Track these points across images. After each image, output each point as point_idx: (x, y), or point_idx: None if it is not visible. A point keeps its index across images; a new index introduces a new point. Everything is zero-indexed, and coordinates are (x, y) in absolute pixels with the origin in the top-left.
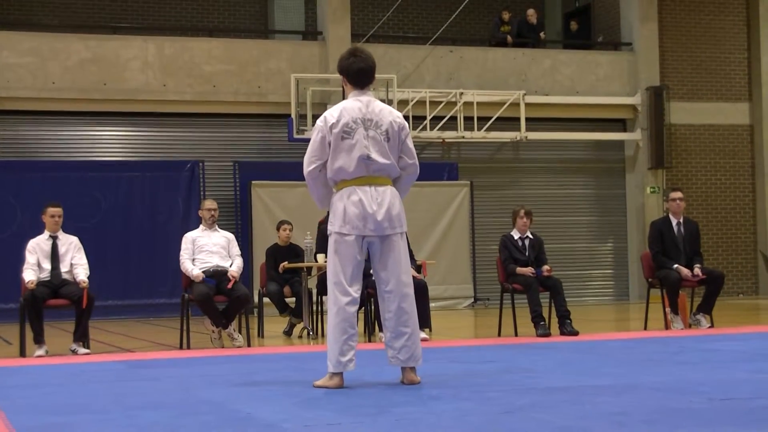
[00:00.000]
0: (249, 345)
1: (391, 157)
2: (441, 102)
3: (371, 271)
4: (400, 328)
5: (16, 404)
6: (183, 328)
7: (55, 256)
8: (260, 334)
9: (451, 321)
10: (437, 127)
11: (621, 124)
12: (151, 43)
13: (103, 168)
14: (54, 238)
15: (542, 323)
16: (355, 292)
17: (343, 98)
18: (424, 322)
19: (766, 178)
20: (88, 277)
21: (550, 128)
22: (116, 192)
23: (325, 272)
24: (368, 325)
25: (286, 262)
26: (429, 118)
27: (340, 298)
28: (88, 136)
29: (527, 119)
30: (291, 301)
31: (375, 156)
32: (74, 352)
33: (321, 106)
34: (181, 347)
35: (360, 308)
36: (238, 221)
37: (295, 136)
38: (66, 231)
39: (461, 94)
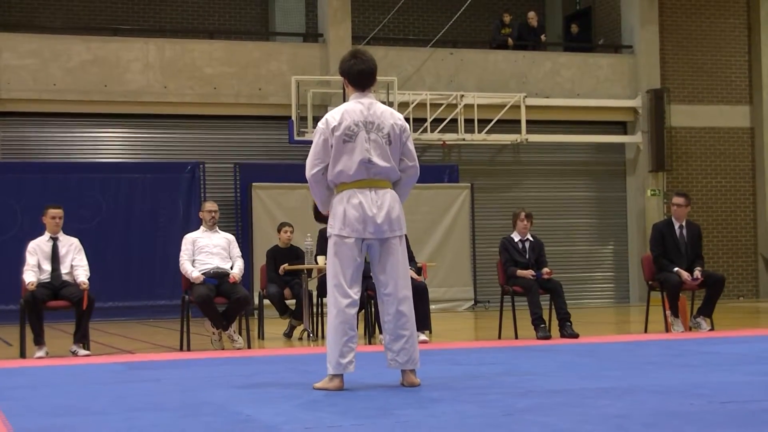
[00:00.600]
0: (249, 347)
1: (392, 160)
2: (442, 104)
3: (371, 273)
4: (398, 331)
5: (16, 405)
6: (183, 329)
7: (55, 258)
8: (260, 335)
9: (452, 323)
10: (438, 130)
11: (621, 127)
12: (152, 45)
13: (103, 169)
14: (54, 239)
15: (542, 326)
16: (355, 294)
17: (344, 100)
18: (425, 324)
19: (766, 180)
20: (89, 279)
21: (551, 131)
22: (117, 193)
23: (326, 274)
24: (368, 327)
25: (286, 264)
26: (430, 120)
27: (340, 300)
28: (89, 137)
29: (528, 122)
30: (291, 303)
31: (376, 159)
32: (74, 354)
33: (321, 108)
34: (181, 349)
35: (360, 310)
36: (239, 223)
37: (296, 138)
38: (66, 232)
39: (462, 96)
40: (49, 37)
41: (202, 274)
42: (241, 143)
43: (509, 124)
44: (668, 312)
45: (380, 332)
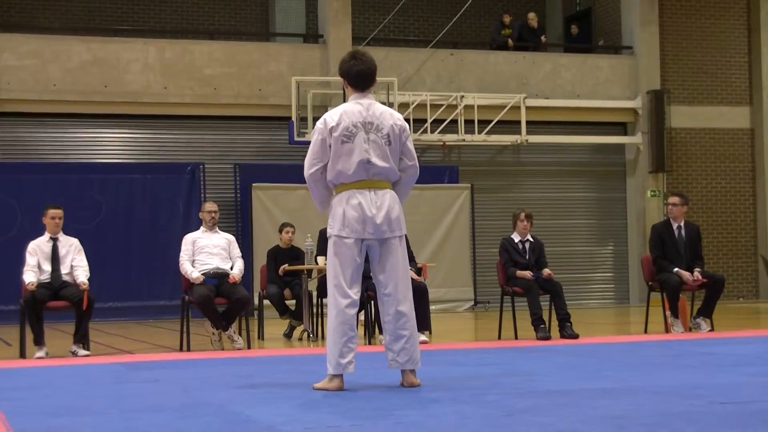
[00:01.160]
0: (249, 347)
1: (392, 160)
2: (442, 105)
3: (371, 273)
4: (398, 331)
5: (16, 406)
6: (183, 330)
7: (55, 258)
8: (260, 336)
9: (452, 324)
10: (438, 130)
11: (622, 128)
12: (151, 46)
13: (103, 170)
14: (54, 239)
15: (542, 326)
16: (355, 294)
17: (344, 101)
18: (425, 324)
19: (766, 181)
20: (89, 279)
21: (551, 131)
22: (117, 194)
23: (326, 275)
24: (368, 328)
25: (286, 265)
26: (430, 121)
27: (340, 301)
28: (89, 138)
29: (528, 122)
30: (291, 303)
31: (375, 160)
32: (74, 354)
33: (321, 109)
34: (181, 349)
35: (360, 311)
36: (239, 223)
37: (296, 138)
38: (66, 233)
39: (462, 97)
40: (49, 37)
41: (202, 274)
42: (241, 144)
43: (509, 125)
44: (668, 313)
45: (380, 332)
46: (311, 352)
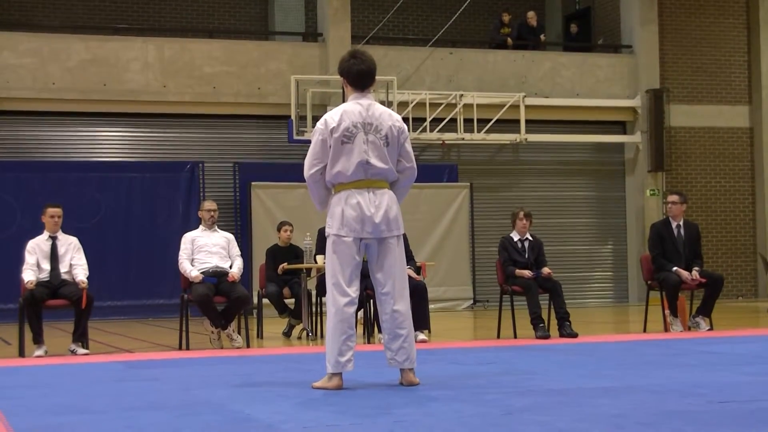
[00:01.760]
0: (248, 346)
1: (390, 161)
2: (441, 104)
3: (369, 272)
4: (396, 330)
5: (15, 404)
6: (182, 328)
7: (54, 257)
8: (259, 335)
9: (451, 322)
10: (437, 129)
11: (621, 127)
12: (151, 44)
13: (103, 169)
14: (53, 238)
15: (541, 325)
16: (354, 292)
17: (344, 100)
18: (424, 323)
19: (765, 180)
20: (88, 278)
21: (550, 130)
22: (116, 193)
23: (324, 274)
24: (367, 327)
25: (285, 264)
26: (429, 119)
27: (339, 299)
28: (88, 136)
29: (527, 121)
30: (290, 302)
31: (374, 161)
32: (73, 353)
33: (321, 108)
34: (180, 348)
35: (359, 309)
36: (238, 222)
37: (295, 137)
38: (65, 231)
39: (461, 96)
40: (48, 36)
41: (201, 273)
42: (241, 142)
43: (508, 124)
44: (667, 312)
45: (379, 331)
46: (310, 351)
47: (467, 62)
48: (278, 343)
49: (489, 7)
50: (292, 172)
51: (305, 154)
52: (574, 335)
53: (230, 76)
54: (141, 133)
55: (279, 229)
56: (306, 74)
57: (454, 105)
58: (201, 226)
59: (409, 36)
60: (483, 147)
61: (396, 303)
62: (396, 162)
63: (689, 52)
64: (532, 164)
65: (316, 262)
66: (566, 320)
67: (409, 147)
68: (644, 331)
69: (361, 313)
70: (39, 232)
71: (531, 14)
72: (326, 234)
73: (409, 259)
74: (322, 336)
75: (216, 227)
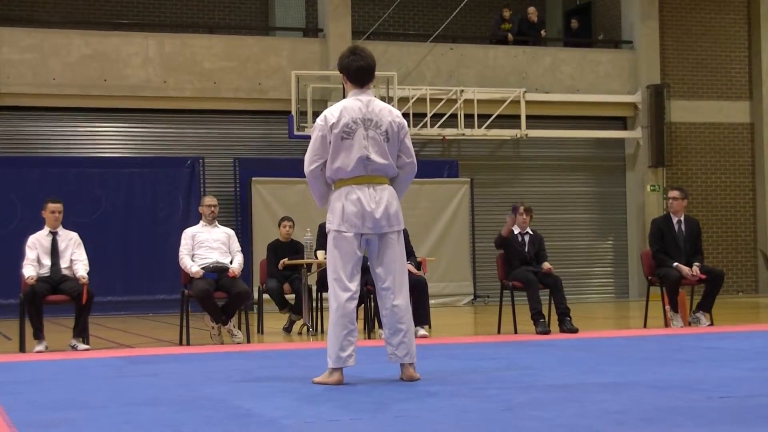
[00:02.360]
0: (248, 341)
1: (390, 157)
2: (441, 99)
3: (369, 268)
4: (396, 325)
5: (16, 400)
6: (183, 324)
7: (54, 252)
8: (260, 330)
9: (451, 318)
10: (438, 125)
11: (621, 122)
12: (151, 40)
13: (103, 164)
14: (54, 234)
15: (542, 320)
16: (355, 288)
17: (344, 96)
18: (424, 319)
19: (766, 176)
20: (88, 273)
21: (551, 126)
22: (116, 188)
23: (325, 269)
24: (368, 322)
25: (285, 259)
26: (429, 115)
27: (340, 294)
28: (89, 132)
29: (528, 117)
30: (291, 297)
31: (374, 156)
32: (74, 348)
33: (321, 103)
34: (180, 343)
35: (360, 305)
36: (238, 218)
37: (296, 132)
38: (66, 227)
39: (462, 91)
40: (49, 31)
41: (202, 268)
42: (241, 138)
43: (509, 120)
44: (667, 307)
45: (380, 327)
46: (311, 347)
47: (468, 58)
48: (279, 338)
49: (490, 2)
50: (293, 168)
51: (305, 150)
52: (575, 331)
53: (231, 72)
54: (141, 129)
55: (279, 225)
56: (306, 70)
57: (455, 100)
58: (201, 222)
59: (409, 31)
60: (483, 142)
61: (396, 298)
62: (396, 157)
63: (690, 48)
64: (533, 160)
65: (316, 258)
66: (567, 316)
67: (409, 142)
68: (645, 326)
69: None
70: (40, 228)
71: (531, 10)
72: (327, 230)
73: (410, 254)
74: (322, 331)
75: (216, 223)
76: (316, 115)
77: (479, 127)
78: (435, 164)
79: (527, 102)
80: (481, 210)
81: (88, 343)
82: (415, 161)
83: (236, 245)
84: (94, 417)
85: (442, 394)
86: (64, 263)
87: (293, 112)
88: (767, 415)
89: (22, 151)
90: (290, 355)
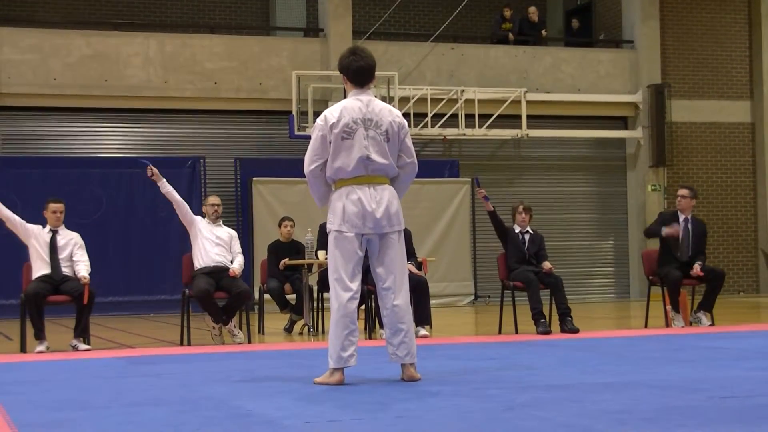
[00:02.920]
0: (249, 342)
1: (390, 157)
2: (442, 99)
3: (370, 267)
4: (397, 325)
5: (17, 400)
6: (183, 324)
7: (53, 248)
8: (261, 330)
9: (452, 318)
10: (438, 125)
11: (622, 122)
12: (152, 40)
13: (104, 164)
14: (54, 232)
15: (543, 320)
16: (356, 287)
17: (344, 96)
18: (425, 319)
19: (766, 176)
20: (89, 273)
21: (552, 126)
22: (117, 188)
23: (326, 269)
24: (368, 322)
25: (286, 259)
26: (430, 115)
27: (342, 294)
28: (90, 132)
29: (528, 117)
30: (291, 298)
31: (374, 156)
32: (75, 348)
33: (322, 103)
34: (181, 344)
35: (360, 305)
36: (239, 218)
37: (296, 132)
38: (67, 227)
39: (462, 91)
40: (50, 31)
41: (203, 270)
42: (242, 138)
43: (510, 119)
44: (668, 307)
45: (380, 327)
46: (311, 347)
47: (468, 58)
48: (279, 338)
49: (490, 2)
50: (293, 168)
51: (306, 150)
52: (576, 330)
53: (231, 72)
54: (142, 129)
55: (280, 225)
56: (307, 70)
57: (456, 100)
58: (206, 220)
59: (410, 31)
60: (484, 142)
61: (397, 298)
62: (396, 157)
63: (690, 48)
64: (534, 160)
65: (317, 258)
66: (567, 315)
67: (409, 142)
68: (645, 326)
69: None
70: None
71: (532, 9)
72: (328, 230)
73: (411, 254)
74: (323, 331)
75: (220, 222)
76: (316, 115)
77: (480, 127)
78: (436, 164)
79: (528, 102)
80: (482, 210)
81: (89, 344)
82: (416, 161)
83: (238, 247)
84: (95, 417)
85: (443, 394)
86: (64, 262)
87: (294, 112)
88: None
89: (23, 152)
90: (291, 356)
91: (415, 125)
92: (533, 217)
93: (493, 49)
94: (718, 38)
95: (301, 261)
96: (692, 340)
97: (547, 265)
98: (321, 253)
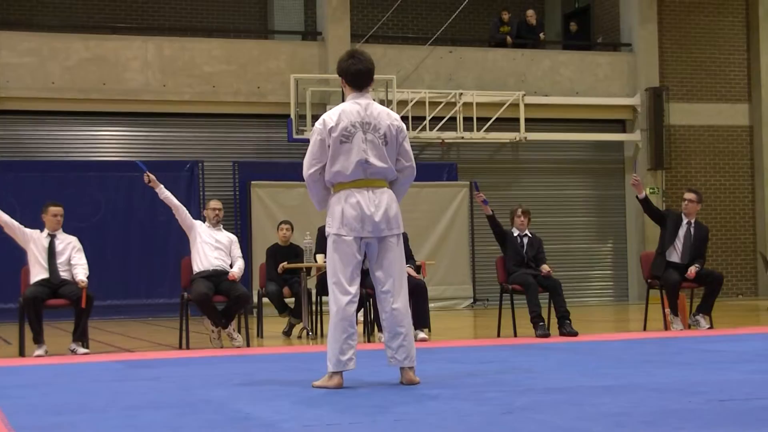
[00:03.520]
0: (248, 345)
1: (389, 160)
2: (440, 102)
3: (369, 271)
4: (396, 328)
5: (15, 404)
6: (182, 328)
7: (51, 253)
8: (259, 334)
9: (451, 321)
10: (437, 128)
11: (620, 125)
12: (150, 44)
13: (102, 168)
14: (52, 236)
15: (541, 324)
16: (355, 291)
17: (343, 99)
18: (424, 322)
19: (765, 179)
20: (88, 277)
21: (550, 129)
22: (116, 192)
23: (325, 272)
24: (367, 326)
25: (285, 263)
26: (428, 118)
27: (340, 298)
28: (88, 136)
29: (527, 120)
30: (290, 301)
31: (373, 160)
32: (73, 352)
33: (320, 107)
34: (180, 347)
35: (359, 309)
36: (238, 221)
37: (295, 136)
38: (65, 231)
39: (461, 94)
40: (48, 35)
41: (201, 274)
42: (240, 141)
43: (508, 123)
44: (667, 310)
45: (379, 330)
46: (310, 350)
47: (467, 61)
48: (278, 342)
49: (488, 5)
50: (292, 171)
51: (305, 153)
52: (574, 334)
53: (230, 75)
54: (140, 132)
55: (278, 228)
56: (305, 73)
57: (454, 104)
58: (206, 224)
59: (408, 35)
60: (482, 146)
61: (395, 301)
62: (395, 161)
63: (689, 51)
64: (532, 163)
65: (316, 261)
66: (566, 319)
67: (407, 146)
68: (644, 329)
69: (360, 313)
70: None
71: (530, 12)
72: (326, 233)
73: (409, 258)
74: (322, 335)
75: (221, 226)
76: (315, 118)
77: (478, 130)
78: (434, 167)
79: (526, 105)
80: (481, 213)
81: (87, 347)
82: (414, 165)
83: (238, 251)
84: (94, 421)
85: (442, 398)
86: (62, 266)
87: (292, 116)
88: (767, 417)
89: (22, 156)
90: (290, 359)
91: (414, 128)
92: (532, 220)
93: (491, 52)
94: (716, 41)
95: (299, 264)
96: (691, 343)
97: (545, 268)
98: (320, 257)
